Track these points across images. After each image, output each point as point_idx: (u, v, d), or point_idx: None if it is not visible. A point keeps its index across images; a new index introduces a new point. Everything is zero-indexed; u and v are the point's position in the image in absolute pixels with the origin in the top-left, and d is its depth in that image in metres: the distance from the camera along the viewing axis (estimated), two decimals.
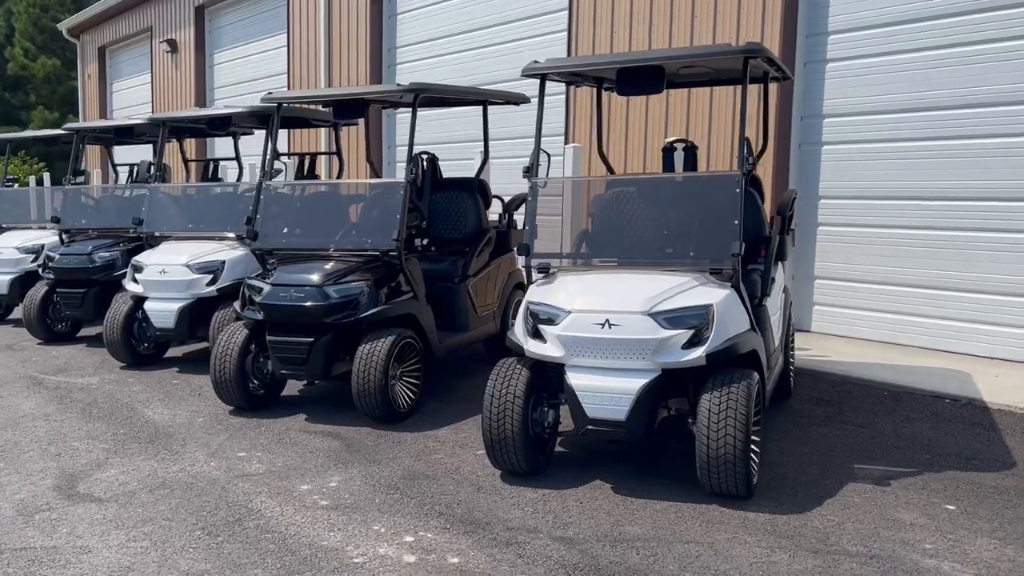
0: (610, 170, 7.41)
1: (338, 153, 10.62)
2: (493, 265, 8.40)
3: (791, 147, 9.68)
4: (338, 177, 10.85)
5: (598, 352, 5.08)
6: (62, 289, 9.91)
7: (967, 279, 8.44)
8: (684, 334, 4.98)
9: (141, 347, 8.83)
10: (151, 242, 9.19)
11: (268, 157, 7.65)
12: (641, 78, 5.75)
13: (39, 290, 10.08)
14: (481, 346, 8.64)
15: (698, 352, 4.95)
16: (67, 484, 5.47)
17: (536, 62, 5.94)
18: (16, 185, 13.04)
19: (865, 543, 4.45)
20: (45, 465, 5.84)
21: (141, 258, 8.72)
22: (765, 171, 9.17)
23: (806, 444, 6.06)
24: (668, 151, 6.81)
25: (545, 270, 5.73)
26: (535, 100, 6.11)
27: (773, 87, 9.29)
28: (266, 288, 6.85)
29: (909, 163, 8.82)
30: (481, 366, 8.52)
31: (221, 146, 19.24)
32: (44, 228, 12.04)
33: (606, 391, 5.01)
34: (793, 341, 7.37)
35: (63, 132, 11.93)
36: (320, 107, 9.21)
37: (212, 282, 8.41)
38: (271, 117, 8.99)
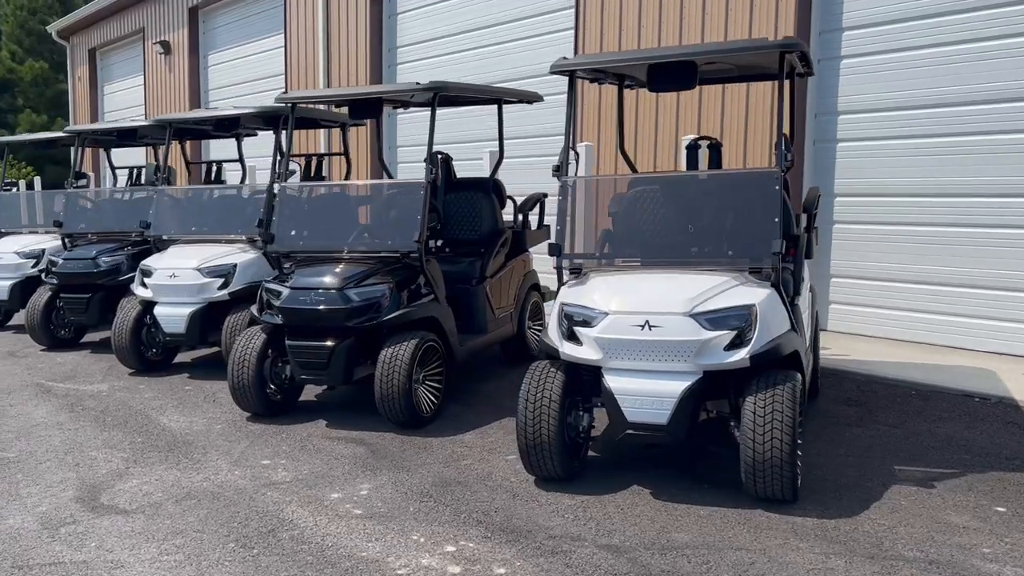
0: (632, 168, 7.29)
1: (346, 154, 10.48)
2: (509, 266, 8.28)
3: (805, 144, 9.58)
4: (346, 178, 10.71)
5: (638, 354, 4.95)
6: (66, 294, 9.72)
7: (984, 276, 8.36)
8: (726, 335, 4.87)
9: (149, 353, 8.66)
10: (159, 246, 9.03)
11: (283, 158, 7.49)
12: (673, 74, 5.63)
13: (42, 295, 9.89)
14: (497, 348, 8.51)
15: (741, 354, 4.84)
16: (89, 495, 5.32)
17: (564, 58, 5.81)
18: (16, 189, 12.77)
19: (921, 548, 4.35)
20: (64, 476, 5.68)
21: (150, 262, 8.56)
22: None
23: (840, 445, 5.96)
24: (692, 148, 6.70)
25: (577, 271, 5.61)
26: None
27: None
28: (285, 292, 6.71)
29: (925, 159, 8.73)
30: (498, 368, 8.41)
31: (216, 148, 19.06)
32: (45, 232, 11.86)
33: (647, 394, 4.89)
34: (818, 340, 7.27)
35: (63, 135, 11.73)
36: (332, 107, 9.07)
37: (224, 286, 8.25)
38: (280, 118, 8.89)
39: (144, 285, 8.47)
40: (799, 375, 4.92)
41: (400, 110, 12.16)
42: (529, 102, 8.71)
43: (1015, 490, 5.10)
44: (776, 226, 5.12)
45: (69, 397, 7.77)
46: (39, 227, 12.32)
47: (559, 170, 5.79)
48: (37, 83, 38.21)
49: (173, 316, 8.24)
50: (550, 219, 9.33)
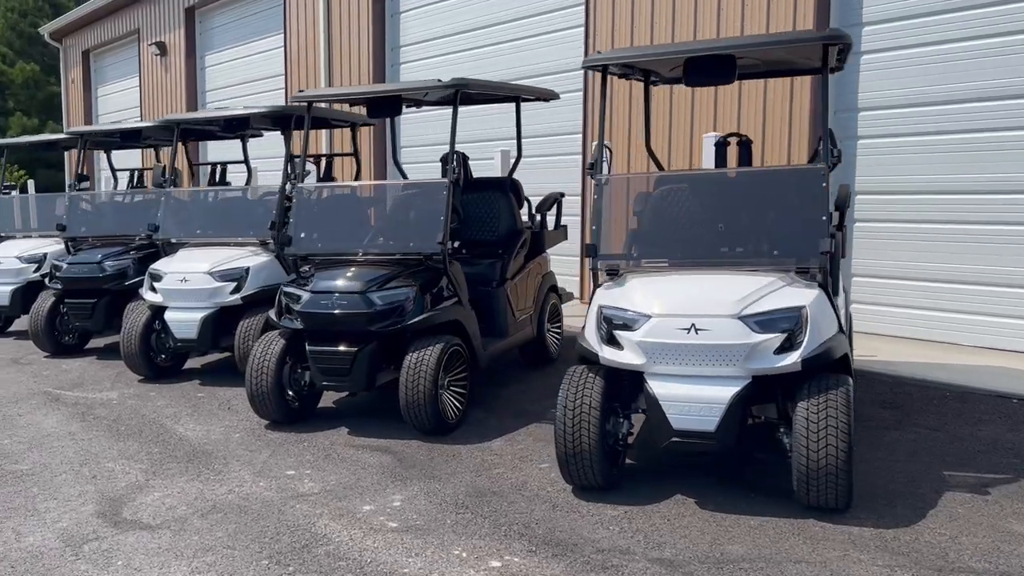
0: (659, 166, 7.11)
1: (355, 154, 10.28)
2: (528, 267, 8.09)
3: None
4: (355, 179, 10.51)
5: (683, 359, 4.77)
6: (71, 299, 9.49)
7: (1010, 274, 8.20)
8: (776, 338, 4.69)
9: (159, 359, 8.44)
10: (168, 249, 8.81)
11: (299, 159, 7.27)
12: (712, 67, 5.45)
13: (46, 301, 9.65)
14: (515, 351, 8.30)
15: (793, 357, 4.66)
16: (111, 510, 5.11)
17: (598, 52, 5.63)
18: (15, 192, 12.52)
19: (989, 559, 4.17)
20: (82, 489, 5.47)
21: (159, 266, 8.34)
22: None
23: (879, 449, 5.79)
24: (720, 145, 6.54)
25: (614, 272, 5.42)
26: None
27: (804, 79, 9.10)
28: (305, 296, 6.50)
29: (949, 156, 8.57)
30: (518, 372, 8.22)
31: (213, 149, 18.83)
32: (40, 237, 11.63)
33: (694, 400, 4.71)
34: (852, 341, 7.09)
35: (64, 137, 11.50)
36: (347, 106, 8.87)
37: (236, 290, 8.04)
38: (292, 118, 8.69)
39: (154, 290, 8.25)
40: (850, 379, 4.74)
41: (412, 109, 11.98)
42: (546, 100, 8.53)
43: None
44: (824, 224, 4.96)
45: (79, 405, 7.54)
46: (32, 231, 12.08)
47: (592, 168, 5.61)
48: (28, 86, 37.87)
49: (184, 321, 8.02)
50: (567, 219, 9.22)
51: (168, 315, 8.10)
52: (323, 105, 9.35)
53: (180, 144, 11.67)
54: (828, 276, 4.99)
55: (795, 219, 5.24)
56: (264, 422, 6.82)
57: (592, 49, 11.43)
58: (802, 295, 4.81)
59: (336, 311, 6.36)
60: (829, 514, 4.69)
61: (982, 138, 8.32)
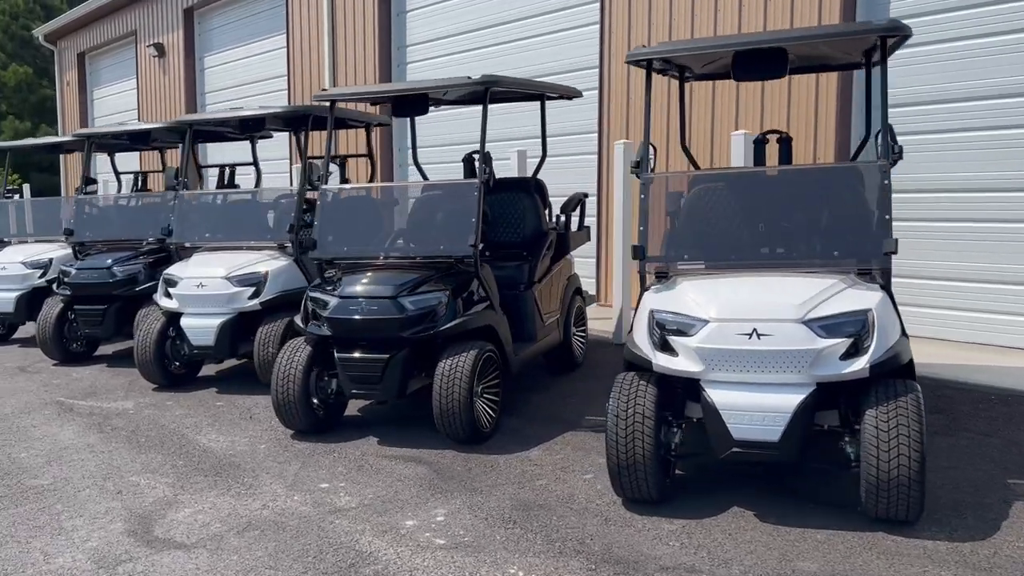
0: (694, 165, 6.90)
1: (370, 155, 10.05)
2: (554, 270, 7.87)
3: (851, 139, 9.21)
4: (370, 181, 10.28)
5: (744, 366, 4.55)
6: (80, 306, 9.24)
7: None
8: (842, 343, 4.48)
9: (172, 366, 8.19)
10: (182, 254, 8.56)
11: (324, 159, 7.04)
12: (762, 61, 5.24)
13: (54, 307, 9.39)
14: (540, 356, 8.07)
15: (860, 363, 4.45)
16: (141, 528, 4.87)
17: (643, 46, 5.41)
18: (17, 196, 12.24)
19: None
20: (108, 505, 5.23)
21: (174, 271, 8.09)
22: None
23: (935, 456, 5.57)
24: (759, 143, 6.34)
25: (663, 274, 5.20)
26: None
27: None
28: (333, 301, 6.27)
29: (973, 154, 8.40)
30: (544, 378, 8.00)
31: (214, 152, 18.55)
32: (35, 242, 11.38)
33: (757, 409, 4.49)
34: None
35: (69, 139, 11.25)
36: (369, 105, 8.64)
37: (255, 295, 7.80)
38: (309, 118, 8.47)
39: (168, 295, 8.01)
40: (918, 385, 4.53)
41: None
42: (569, 98, 8.33)
43: None
44: (887, 223, 4.76)
45: (94, 416, 7.30)
46: (28, 236, 11.80)
47: (638, 167, 5.39)
48: (20, 89, 37.53)
49: (201, 328, 7.78)
50: (590, 220, 9.01)
51: (184, 321, 7.86)
52: (339, 105, 9.11)
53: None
54: (890, 277, 4.78)
55: (855, 218, 5.04)
56: (289, 432, 6.59)
57: (608, 47, 11.22)
58: (867, 298, 4.61)
59: (367, 317, 6.13)
60: (899, 527, 4.49)
61: (1008, 135, 8.14)
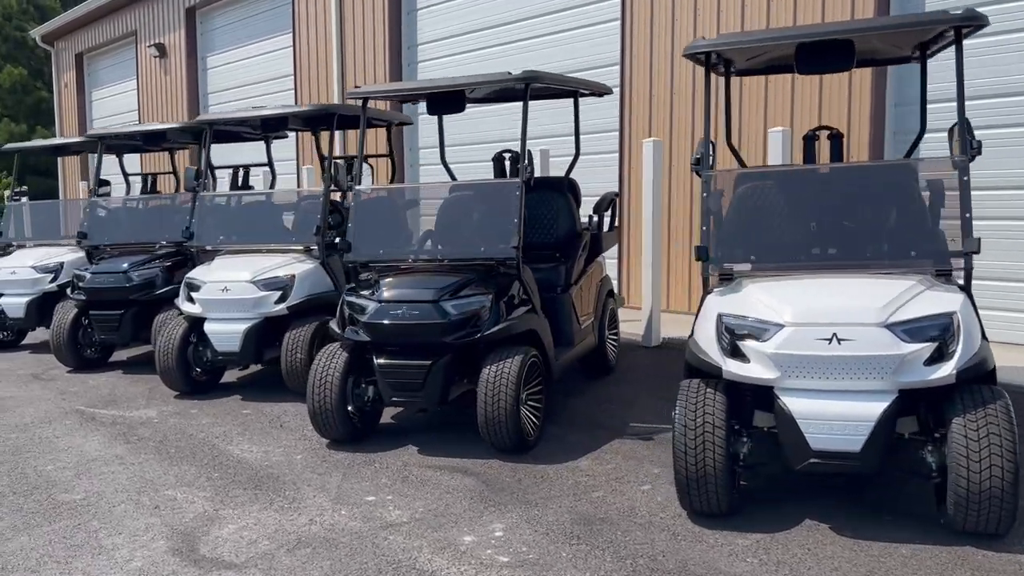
0: (740, 162, 6.69)
1: (391, 155, 9.82)
2: (588, 271, 7.65)
3: (885, 136, 9.01)
4: (390, 181, 10.05)
5: (824, 372, 4.34)
6: (95, 311, 8.98)
7: None
8: (926, 348, 4.27)
9: (194, 373, 7.94)
10: (202, 257, 8.32)
11: (358, 159, 6.81)
12: (828, 53, 5.03)
13: (68, 312, 9.13)
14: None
15: (946, 369, 4.24)
16: (186, 546, 4.63)
17: (703, 38, 5.20)
18: (25, 199, 11.96)
19: None
20: (148, 522, 4.98)
21: (197, 275, 7.84)
22: None
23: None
24: (810, 139, 6.13)
25: (728, 276, 4.99)
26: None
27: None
28: (372, 306, 6.04)
29: (1012, 150, 8.19)
30: (578, 383, 7.78)
31: (218, 153, 18.25)
32: (35, 245, 11.14)
33: (838, 418, 4.27)
34: None
35: (79, 140, 10.99)
36: (389, 104, 8.41)
37: (281, 299, 7.56)
38: (334, 116, 8.24)
39: (191, 300, 7.76)
40: (1005, 392, 4.33)
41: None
42: (600, 95, 8.10)
43: None
44: (968, 221, 4.55)
45: (117, 425, 7.05)
46: (27, 240, 11.52)
47: (699, 163, 5.18)
48: (15, 90, 37.11)
49: (226, 333, 7.54)
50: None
51: (208, 327, 7.62)
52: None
53: (195, 146, 11.24)
54: (971, 279, 4.57)
55: (933, 217, 4.83)
56: (324, 441, 6.36)
57: (629, 44, 11.02)
58: (949, 300, 4.40)
59: (408, 322, 5.90)
60: (988, 540, 4.28)
61: None
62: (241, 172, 10.05)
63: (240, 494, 5.38)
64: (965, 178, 4.61)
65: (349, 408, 6.20)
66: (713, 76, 5.83)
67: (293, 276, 7.62)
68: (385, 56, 14.65)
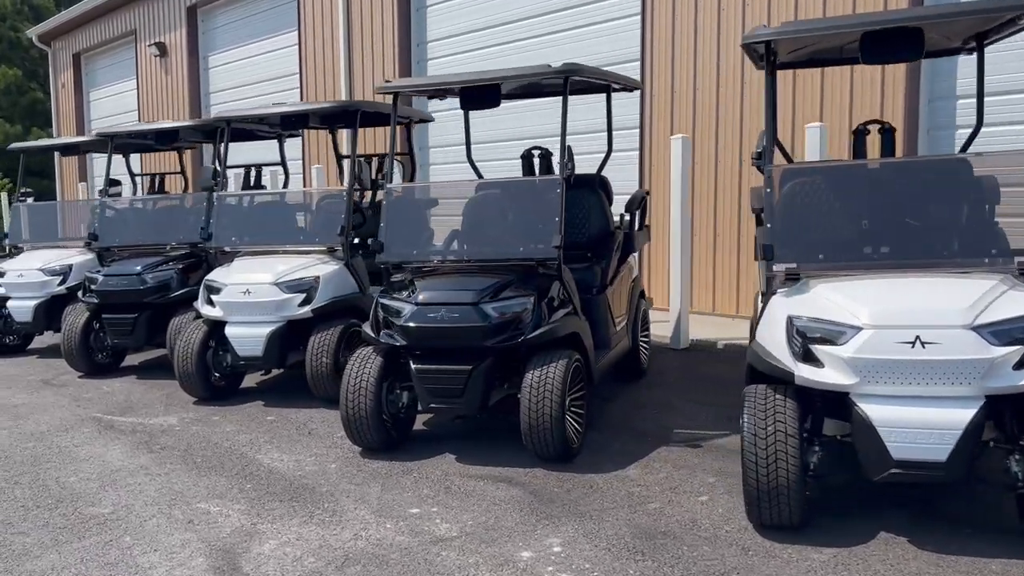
0: (787, 157, 6.45)
1: (411, 154, 9.57)
2: (622, 272, 7.41)
3: (919, 132, 8.79)
4: (410, 181, 9.78)
5: (906, 378, 4.10)
6: (108, 314, 8.70)
7: None
8: (1016, 351, 4.02)
9: (213, 378, 7.67)
10: (220, 259, 8.05)
11: (388, 156, 6.56)
12: (896, 42, 4.79)
13: (80, 316, 8.85)
14: None
15: None
16: (227, 564, 4.37)
17: (764, 25, 4.96)
18: (32, 199, 11.67)
19: None
20: (183, 537, 4.72)
21: (217, 277, 7.58)
22: None
23: None
24: (860, 134, 5.90)
25: (795, 276, 4.75)
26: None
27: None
28: (408, 308, 5.78)
29: None
30: (611, 386, 7.53)
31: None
32: (35, 248, 10.87)
33: (923, 426, 4.03)
34: None
35: (92, 139, 10.71)
36: (427, 97, 8.16)
37: (305, 302, 7.29)
38: (357, 113, 7.98)
39: (211, 303, 7.49)
40: None
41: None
42: (630, 90, 7.87)
43: None
44: None
45: (138, 433, 6.78)
46: (24, 242, 11.23)
47: (759, 158, 4.94)
48: (10, 91, 36.76)
49: (249, 337, 7.28)
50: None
51: (229, 331, 7.35)
52: (379, 99, 8.64)
53: (201, 145, 10.95)
54: None
55: (1010, 212, 4.59)
56: (357, 449, 6.11)
57: (650, 39, 10.78)
58: None
59: (447, 325, 5.65)
60: None
61: None
62: (253, 171, 9.78)
63: (277, 507, 5.12)
64: None
65: (383, 415, 5.94)
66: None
67: (318, 278, 7.36)
68: (394, 53, 14.39)
